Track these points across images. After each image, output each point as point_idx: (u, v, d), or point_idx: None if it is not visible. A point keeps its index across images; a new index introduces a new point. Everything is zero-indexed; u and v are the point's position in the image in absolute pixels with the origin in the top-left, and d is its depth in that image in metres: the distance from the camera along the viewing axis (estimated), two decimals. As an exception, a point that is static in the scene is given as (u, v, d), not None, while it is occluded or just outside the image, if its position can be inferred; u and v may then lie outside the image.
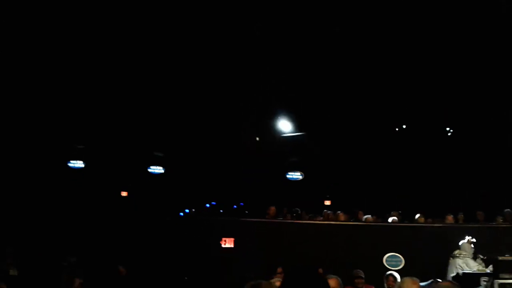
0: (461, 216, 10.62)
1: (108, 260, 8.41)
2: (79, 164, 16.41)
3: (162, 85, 13.80)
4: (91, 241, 9.19)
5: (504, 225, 9.75)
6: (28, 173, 14.25)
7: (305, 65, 12.87)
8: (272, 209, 10.40)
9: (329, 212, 11.90)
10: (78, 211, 10.92)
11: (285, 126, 15.60)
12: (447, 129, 16.26)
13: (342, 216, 11.03)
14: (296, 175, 17.11)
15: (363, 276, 7.50)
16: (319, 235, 9.34)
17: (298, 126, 15.97)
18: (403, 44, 12.30)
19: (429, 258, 8.54)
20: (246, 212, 16.11)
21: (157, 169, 17.45)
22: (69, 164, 16.34)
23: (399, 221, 10.64)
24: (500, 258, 6.19)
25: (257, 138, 15.96)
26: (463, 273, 6.95)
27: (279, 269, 7.36)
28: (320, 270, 7.23)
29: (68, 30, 11.37)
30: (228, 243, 9.50)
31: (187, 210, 18.72)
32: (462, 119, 15.46)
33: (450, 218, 10.17)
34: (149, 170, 17.36)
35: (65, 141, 15.61)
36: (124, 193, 17.81)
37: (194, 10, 10.93)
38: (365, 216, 10.91)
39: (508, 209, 10.25)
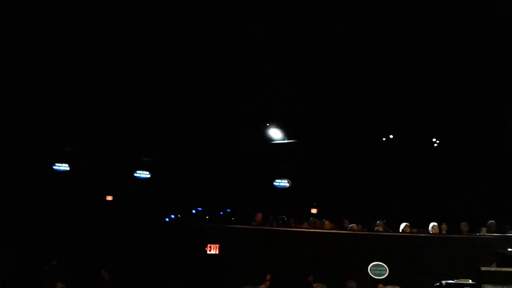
0: (444, 226, 10.71)
1: (92, 264, 8.31)
2: (64, 167, 16.25)
3: (150, 91, 13.75)
4: (75, 245, 9.07)
5: (487, 236, 9.85)
6: (13, 175, 14.05)
7: (296, 72, 12.94)
8: (259, 215, 10.39)
9: (315, 220, 11.92)
10: (62, 214, 10.78)
11: (274, 133, 15.64)
12: (433, 140, 16.45)
13: (328, 224, 11.05)
14: (283, 183, 17.14)
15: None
16: (305, 243, 9.33)
17: (287, 134, 16.02)
18: (390, 55, 12.45)
19: (414, 267, 8.59)
20: (232, 218, 16.05)
21: (144, 174, 17.34)
22: (55, 167, 16.17)
23: (384, 230, 10.69)
24: (482, 268, 6.23)
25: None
26: (446, 283, 6.98)
27: (268, 276, 7.35)
28: (311, 279, 7.24)
29: (56, 33, 11.29)
30: (213, 249, 9.45)
31: (172, 216, 18.60)
32: (448, 130, 15.65)
33: (435, 228, 10.24)
34: (135, 174, 17.24)
35: (51, 143, 15.45)
36: (109, 197, 17.63)
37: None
38: (351, 225, 10.95)
39: (493, 221, 10.37)
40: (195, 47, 11.96)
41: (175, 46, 11.91)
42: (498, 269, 6.26)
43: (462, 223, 10.57)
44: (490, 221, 10.40)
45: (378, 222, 11.07)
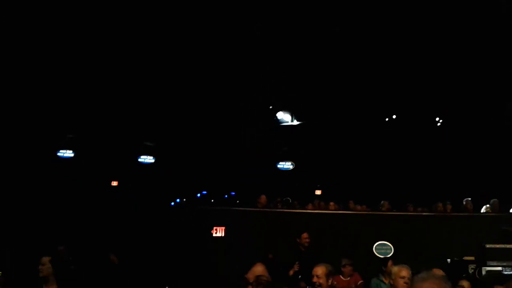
0: (449, 205, 10.78)
1: (100, 249, 8.41)
2: (68, 153, 16.30)
3: (153, 75, 13.72)
4: (81, 231, 9.17)
5: (492, 214, 9.92)
6: (17, 163, 14.12)
7: (300, 58, 12.92)
8: (263, 197, 10.41)
9: (320, 201, 11.98)
10: (69, 200, 10.86)
11: (279, 116, 15.67)
12: (437, 119, 16.42)
13: (333, 206, 11.12)
14: (287, 165, 17.16)
15: (351, 264, 7.63)
16: (310, 224, 9.40)
17: (291, 116, 16.03)
18: (393, 37, 12.37)
19: (419, 246, 8.67)
20: (237, 201, 16.15)
21: (148, 159, 17.38)
22: (59, 154, 16.22)
23: (389, 210, 10.76)
24: (487, 245, 6.31)
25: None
26: (451, 260, 7.07)
27: (270, 256, 7.43)
28: (271, 256, 7.34)
29: (58, 19, 11.23)
30: (219, 232, 9.53)
31: (178, 200, 18.72)
32: (451, 110, 15.62)
33: (440, 206, 10.32)
34: (139, 159, 17.28)
35: (55, 130, 15.47)
36: (114, 183, 17.73)
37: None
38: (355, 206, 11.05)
39: (495, 199, 10.42)
40: (194, 33, 11.94)
41: (177, 37, 11.91)
42: (502, 246, 6.34)
43: (466, 200, 10.63)
44: (493, 199, 10.44)
45: (382, 202, 11.14)
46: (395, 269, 5.32)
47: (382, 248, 8.89)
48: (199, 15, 11.29)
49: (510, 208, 10.68)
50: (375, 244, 8.96)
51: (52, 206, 10.25)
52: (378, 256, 8.66)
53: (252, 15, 11.14)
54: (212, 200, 17.13)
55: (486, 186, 13.32)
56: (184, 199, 17.79)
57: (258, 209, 10.27)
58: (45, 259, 5.41)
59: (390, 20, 11.79)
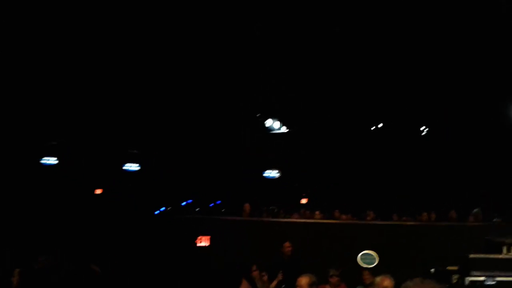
0: (433, 215, 10.84)
1: (82, 258, 8.26)
2: (52, 161, 16.08)
3: (137, 83, 13.64)
4: (63, 240, 9.01)
5: (475, 224, 9.99)
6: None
7: (287, 67, 12.98)
8: (247, 206, 10.37)
9: (305, 210, 11.98)
10: (51, 209, 10.69)
11: (268, 123, 15.69)
12: (422, 128, 16.58)
13: (318, 215, 11.13)
14: (273, 174, 17.15)
15: (338, 275, 7.59)
16: (295, 233, 9.37)
17: (279, 124, 16.06)
18: (379, 46, 12.48)
19: (403, 256, 8.69)
20: (223, 210, 16.07)
21: (132, 167, 17.22)
22: (42, 161, 15.99)
23: (373, 219, 10.79)
24: (471, 255, 6.33)
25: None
26: (435, 270, 7.08)
27: (254, 267, 7.37)
28: (254, 267, 7.34)
29: (42, 27, 11.12)
30: (204, 241, 9.45)
31: (162, 208, 18.56)
32: (436, 119, 15.78)
33: (425, 216, 10.38)
34: (124, 167, 17.12)
35: (38, 137, 15.27)
36: (98, 191, 17.52)
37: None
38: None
39: (477, 208, 10.50)
40: (181, 41, 11.92)
41: (169, 40, 11.87)
42: (486, 256, 6.37)
43: (450, 212, 10.70)
44: (475, 209, 10.52)
45: (367, 211, 11.17)
46: (377, 279, 5.31)
47: (367, 257, 8.88)
48: (189, 21, 11.27)
49: (493, 218, 10.79)
50: (360, 254, 8.95)
51: (33, 214, 10.07)
52: (362, 266, 8.66)
53: (238, 25, 11.17)
54: (197, 209, 17.03)
55: (470, 195, 13.44)
56: (169, 208, 17.65)
57: (243, 218, 10.23)
58: (16, 271, 5.36)
59: (376, 31, 11.90)
